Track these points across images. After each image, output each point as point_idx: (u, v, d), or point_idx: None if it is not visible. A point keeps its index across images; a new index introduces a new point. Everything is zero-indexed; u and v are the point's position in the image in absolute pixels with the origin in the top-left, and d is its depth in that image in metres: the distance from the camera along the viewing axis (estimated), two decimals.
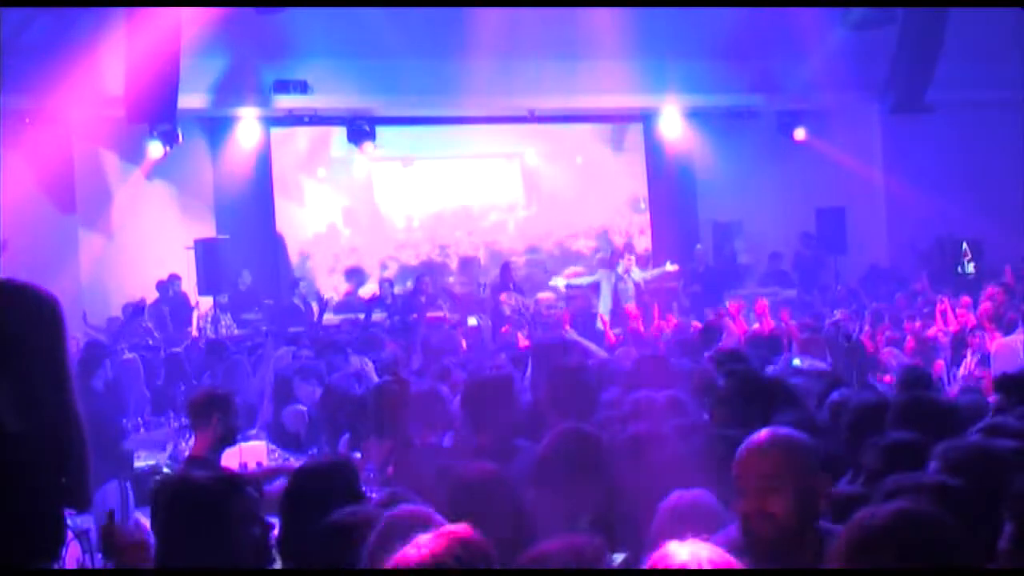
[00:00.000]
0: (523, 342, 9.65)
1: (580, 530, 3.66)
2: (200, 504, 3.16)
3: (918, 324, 9.84)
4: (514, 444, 5.09)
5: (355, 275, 14.87)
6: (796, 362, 7.96)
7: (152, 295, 12.50)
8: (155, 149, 12.52)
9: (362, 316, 12.43)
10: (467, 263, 15.43)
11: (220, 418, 5.11)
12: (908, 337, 9.22)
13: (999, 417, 4.39)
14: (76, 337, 10.11)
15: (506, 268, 13.91)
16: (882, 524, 2.35)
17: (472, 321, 12.09)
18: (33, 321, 3.11)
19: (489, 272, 14.89)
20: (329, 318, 13.03)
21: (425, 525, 2.87)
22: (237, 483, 3.19)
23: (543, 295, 14.07)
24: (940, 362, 8.67)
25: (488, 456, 4.83)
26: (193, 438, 5.42)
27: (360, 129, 13.77)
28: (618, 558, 3.50)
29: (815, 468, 2.98)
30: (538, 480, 3.72)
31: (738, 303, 9.89)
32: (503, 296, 13.01)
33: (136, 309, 11.72)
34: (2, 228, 9.70)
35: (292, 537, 3.46)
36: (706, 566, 2.23)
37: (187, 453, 5.60)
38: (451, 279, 15.10)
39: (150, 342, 10.92)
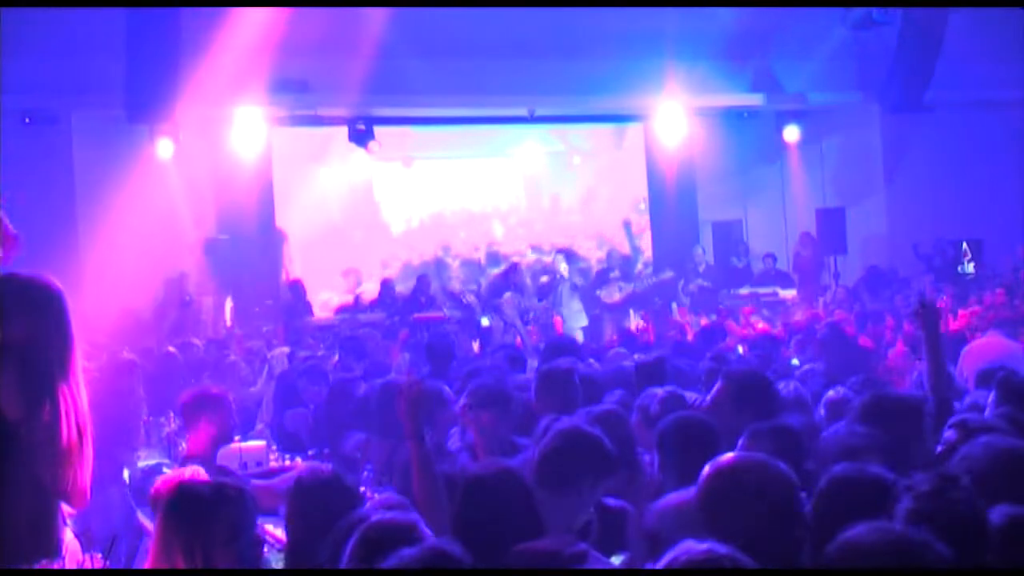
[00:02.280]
0: (519, 341, 9.69)
1: (576, 530, 3.66)
2: (195, 511, 3.15)
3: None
4: (513, 442, 5.11)
5: (354, 275, 14.87)
6: (794, 362, 7.98)
7: (150, 295, 12.52)
8: (155, 149, 12.51)
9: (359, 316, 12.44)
10: (467, 263, 15.44)
11: (212, 418, 5.10)
12: (898, 339, 9.22)
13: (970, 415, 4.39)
14: None
15: (513, 269, 13.95)
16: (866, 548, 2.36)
17: (485, 322, 12.07)
18: (35, 312, 3.12)
19: (488, 272, 14.91)
20: (327, 318, 13.04)
21: (409, 535, 2.88)
22: (230, 495, 3.18)
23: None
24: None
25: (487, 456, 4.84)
26: (187, 438, 5.42)
27: (360, 129, 13.76)
28: (617, 560, 3.51)
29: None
30: (538, 479, 3.72)
31: (749, 309, 9.94)
32: (506, 296, 13.02)
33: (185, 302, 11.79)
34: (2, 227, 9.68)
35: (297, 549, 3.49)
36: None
37: (183, 454, 5.60)
38: (452, 279, 15.09)
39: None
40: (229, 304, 12.24)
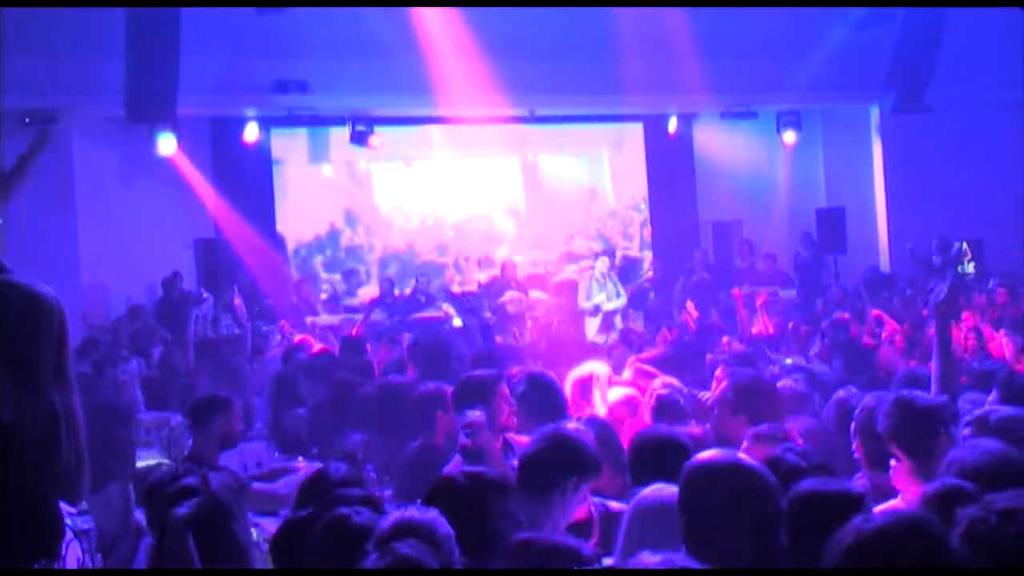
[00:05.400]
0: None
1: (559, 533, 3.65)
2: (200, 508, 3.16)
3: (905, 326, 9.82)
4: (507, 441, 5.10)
5: (355, 275, 14.86)
6: (788, 361, 7.97)
7: (143, 295, 12.54)
8: (163, 148, 12.49)
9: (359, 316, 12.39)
10: (466, 263, 15.43)
11: (221, 420, 5.11)
12: (897, 337, 9.23)
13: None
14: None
15: (510, 267, 13.98)
16: (877, 531, 2.35)
17: (457, 322, 12.01)
18: (27, 317, 3.13)
19: (487, 271, 14.91)
20: (327, 318, 13.02)
21: (428, 533, 2.88)
22: (237, 491, 3.20)
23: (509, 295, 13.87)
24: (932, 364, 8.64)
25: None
26: (192, 439, 5.42)
27: (360, 130, 13.76)
28: (607, 561, 3.50)
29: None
30: (520, 483, 3.70)
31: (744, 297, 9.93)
32: (508, 295, 13.01)
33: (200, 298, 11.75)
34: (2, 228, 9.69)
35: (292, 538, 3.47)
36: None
37: (186, 453, 5.60)
38: (453, 279, 15.09)
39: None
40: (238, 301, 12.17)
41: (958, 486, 3.02)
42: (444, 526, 2.97)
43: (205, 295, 11.78)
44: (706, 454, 3.13)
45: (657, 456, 3.92)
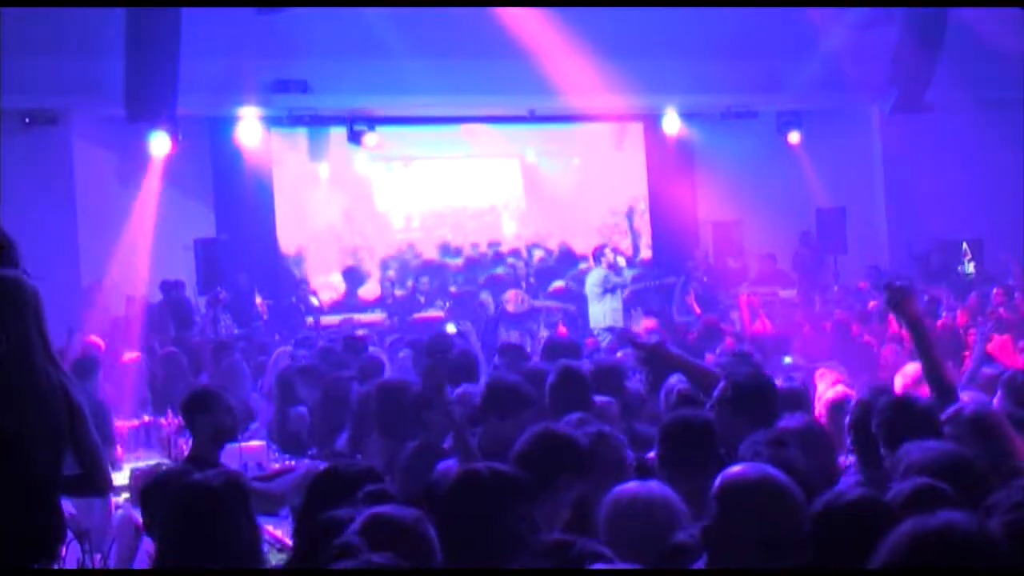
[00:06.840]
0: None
1: (553, 532, 3.65)
2: (199, 503, 3.17)
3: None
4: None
5: (354, 275, 14.86)
6: (787, 360, 7.99)
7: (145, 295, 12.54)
8: (156, 148, 12.50)
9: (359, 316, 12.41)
10: (466, 263, 15.43)
11: (207, 416, 5.11)
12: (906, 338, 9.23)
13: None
14: None
15: (522, 266, 14.00)
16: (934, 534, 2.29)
17: (451, 328, 11.98)
18: (11, 308, 3.13)
19: (487, 272, 14.90)
20: (328, 319, 13.04)
21: (404, 531, 2.88)
22: (236, 483, 3.21)
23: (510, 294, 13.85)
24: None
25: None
26: (190, 437, 5.44)
27: (360, 129, 13.77)
28: None
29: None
30: None
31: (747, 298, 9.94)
32: (511, 294, 13.00)
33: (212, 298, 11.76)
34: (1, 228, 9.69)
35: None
36: None
37: (185, 453, 5.61)
38: (454, 280, 15.09)
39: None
40: (259, 299, 12.14)
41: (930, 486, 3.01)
42: (419, 521, 2.97)
43: (223, 294, 11.79)
44: (736, 468, 3.06)
45: (689, 439, 3.93)
